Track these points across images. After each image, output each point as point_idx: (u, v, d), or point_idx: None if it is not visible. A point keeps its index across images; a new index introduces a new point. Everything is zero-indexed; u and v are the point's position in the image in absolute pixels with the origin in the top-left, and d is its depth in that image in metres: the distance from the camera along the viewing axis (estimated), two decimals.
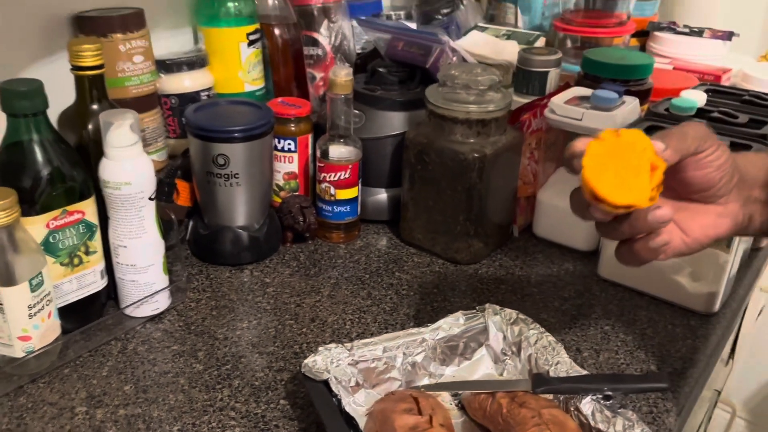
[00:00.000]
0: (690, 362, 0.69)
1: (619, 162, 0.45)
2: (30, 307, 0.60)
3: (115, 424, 0.59)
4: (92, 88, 0.67)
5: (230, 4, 0.89)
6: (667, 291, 0.79)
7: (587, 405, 0.56)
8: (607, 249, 0.82)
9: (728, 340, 0.82)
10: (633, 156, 0.46)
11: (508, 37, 1.04)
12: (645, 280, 0.80)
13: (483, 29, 1.07)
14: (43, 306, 0.62)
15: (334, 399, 0.57)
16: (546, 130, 0.89)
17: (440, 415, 0.54)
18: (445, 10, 1.14)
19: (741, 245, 0.77)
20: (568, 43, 1.14)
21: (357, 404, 0.60)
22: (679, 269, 0.78)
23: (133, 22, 0.77)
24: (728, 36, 1.09)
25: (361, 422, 0.57)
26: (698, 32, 1.10)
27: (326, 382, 0.58)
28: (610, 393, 0.56)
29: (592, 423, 0.55)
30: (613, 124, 0.80)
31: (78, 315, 0.69)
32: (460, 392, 0.63)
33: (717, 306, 0.77)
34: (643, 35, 1.17)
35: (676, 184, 0.52)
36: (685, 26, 1.13)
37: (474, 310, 0.67)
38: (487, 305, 0.68)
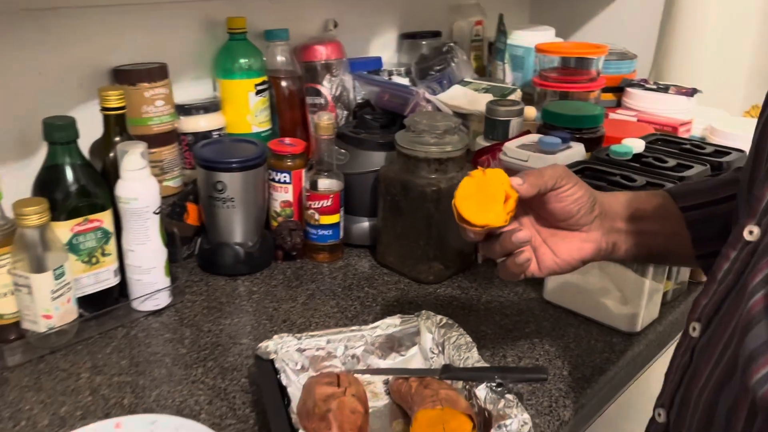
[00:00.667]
0: (599, 371, 0.79)
1: (482, 193, 0.58)
2: (53, 292, 0.76)
3: (108, 387, 0.74)
4: (115, 124, 0.84)
5: (242, 60, 1.06)
6: (597, 312, 0.88)
7: (482, 391, 0.67)
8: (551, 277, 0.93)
9: (653, 359, 0.90)
10: (493, 189, 0.58)
11: (487, 90, 1.17)
12: (580, 302, 0.90)
13: (466, 84, 1.21)
14: (63, 292, 0.78)
15: (277, 375, 0.70)
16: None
17: (354, 388, 0.66)
18: (438, 67, 1.28)
19: (657, 273, 0.86)
20: (552, 97, 1.27)
21: (300, 383, 0.72)
22: (609, 293, 0.87)
23: (157, 74, 0.95)
24: (692, 92, 1.19)
25: (297, 395, 0.69)
26: (665, 89, 1.20)
27: (272, 362, 0.71)
28: (500, 380, 0.66)
29: (483, 405, 0.66)
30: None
31: (94, 304, 0.84)
32: (389, 380, 0.74)
33: (638, 326, 0.86)
34: (618, 90, 1.28)
35: (545, 215, 0.63)
36: (655, 83, 1.23)
37: (411, 315, 0.79)
38: (423, 311, 0.80)
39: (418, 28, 1.42)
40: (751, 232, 0.45)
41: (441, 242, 0.96)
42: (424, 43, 1.39)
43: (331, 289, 0.96)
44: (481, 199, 0.58)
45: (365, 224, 1.08)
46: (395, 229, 0.99)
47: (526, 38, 1.37)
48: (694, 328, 0.50)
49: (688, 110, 1.20)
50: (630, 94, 1.25)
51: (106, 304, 0.86)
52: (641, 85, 1.24)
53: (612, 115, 1.20)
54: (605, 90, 1.24)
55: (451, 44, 1.34)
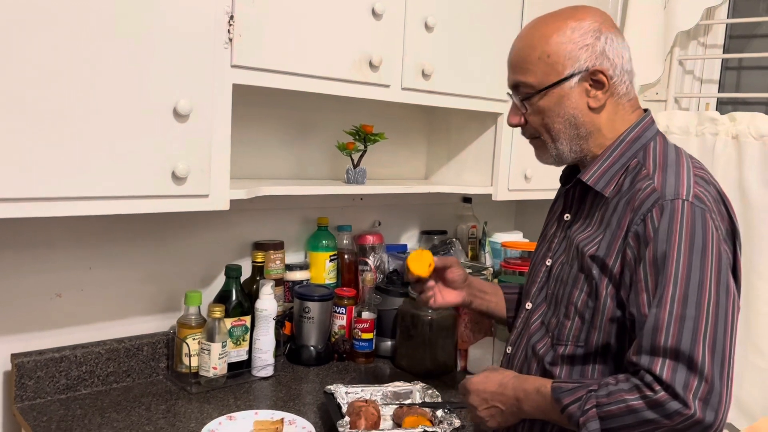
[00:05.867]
0: None
1: (419, 260, 1.20)
2: (219, 355, 1.38)
3: (237, 408, 1.32)
4: (258, 271, 1.52)
5: (323, 242, 1.75)
6: None
7: (439, 412, 1.23)
8: None
9: None
10: (424, 258, 1.20)
11: (468, 268, 1.82)
12: None
13: None
14: (223, 356, 1.40)
15: (334, 401, 1.28)
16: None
17: (373, 406, 1.23)
18: (443, 252, 1.95)
19: None
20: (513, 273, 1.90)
21: (346, 402, 1.29)
22: None
23: (277, 246, 1.64)
24: None
25: (345, 407, 1.26)
26: None
27: (332, 394, 1.30)
28: (449, 408, 1.23)
29: (439, 417, 1.22)
30: None
31: (236, 367, 1.45)
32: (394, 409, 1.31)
33: None
34: None
35: (444, 279, 1.24)
36: None
37: (408, 382, 1.37)
38: (414, 381, 1.38)
39: (432, 227, 2.12)
40: (528, 306, 1.07)
41: (433, 353, 1.56)
42: (435, 237, 2.07)
43: (366, 379, 1.55)
44: (418, 263, 1.20)
45: (388, 342, 1.68)
46: (407, 343, 1.59)
47: (501, 238, 2.05)
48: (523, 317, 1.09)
49: None
50: None
51: (241, 368, 1.47)
52: None
53: None
54: None
55: (453, 239, 2.03)
